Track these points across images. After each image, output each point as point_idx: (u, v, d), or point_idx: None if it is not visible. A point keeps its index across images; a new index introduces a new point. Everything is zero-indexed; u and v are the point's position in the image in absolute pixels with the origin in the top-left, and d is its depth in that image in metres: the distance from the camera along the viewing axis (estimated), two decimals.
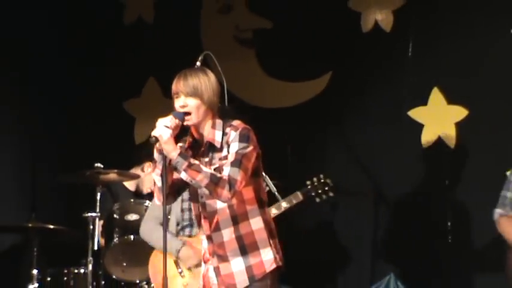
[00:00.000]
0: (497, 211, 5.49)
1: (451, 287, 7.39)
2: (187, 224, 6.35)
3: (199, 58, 5.29)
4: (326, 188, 6.67)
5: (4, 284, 7.59)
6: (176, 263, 6.22)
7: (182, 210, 6.36)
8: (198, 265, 6.04)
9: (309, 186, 6.63)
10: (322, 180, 6.68)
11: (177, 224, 6.32)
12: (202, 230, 5.00)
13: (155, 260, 6.25)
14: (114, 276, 6.96)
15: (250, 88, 8.09)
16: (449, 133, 7.46)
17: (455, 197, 7.40)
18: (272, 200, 6.37)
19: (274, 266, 4.89)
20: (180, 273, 6.21)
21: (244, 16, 8.28)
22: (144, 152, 7.47)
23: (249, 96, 8.04)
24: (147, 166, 7.48)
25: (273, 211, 6.35)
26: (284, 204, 6.46)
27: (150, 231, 6.45)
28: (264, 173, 6.11)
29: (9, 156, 8.02)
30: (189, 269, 6.19)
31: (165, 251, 4.81)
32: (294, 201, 6.50)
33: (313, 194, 6.63)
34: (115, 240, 6.95)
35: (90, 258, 6.78)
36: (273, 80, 8.16)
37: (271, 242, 4.93)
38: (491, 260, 6.78)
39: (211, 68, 5.18)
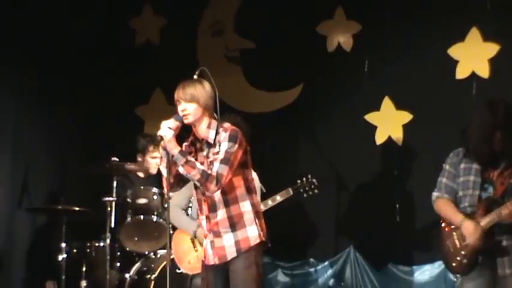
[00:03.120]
0: (435, 194, 5.50)
1: (397, 257, 7.40)
2: None
3: (196, 72, 5.25)
4: (312, 186, 6.67)
5: (39, 254, 7.71)
6: (192, 240, 6.28)
7: None
8: None
9: (299, 184, 6.64)
10: (309, 180, 6.67)
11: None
12: (202, 211, 5.09)
13: (176, 237, 6.30)
14: (127, 248, 7.01)
15: (237, 97, 8.06)
16: (398, 133, 7.52)
17: (402, 184, 7.48)
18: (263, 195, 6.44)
19: (258, 240, 4.98)
20: (194, 247, 6.23)
21: (233, 39, 8.31)
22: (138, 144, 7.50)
23: (237, 103, 7.96)
24: (139, 157, 7.47)
25: (269, 203, 6.45)
26: (278, 198, 6.52)
27: (173, 214, 6.47)
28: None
29: (44, 154, 8.06)
30: (202, 245, 6.16)
31: (169, 232, 5.02)
32: (286, 195, 6.54)
33: (301, 190, 6.65)
34: (128, 219, 6.99)
35: (108, 234, 6.82)
36: (255, 90, 8.22)
37: (256, 221, 5.01)
38: (430, 236, 6.87)
39: (206, 80, 5.20)
